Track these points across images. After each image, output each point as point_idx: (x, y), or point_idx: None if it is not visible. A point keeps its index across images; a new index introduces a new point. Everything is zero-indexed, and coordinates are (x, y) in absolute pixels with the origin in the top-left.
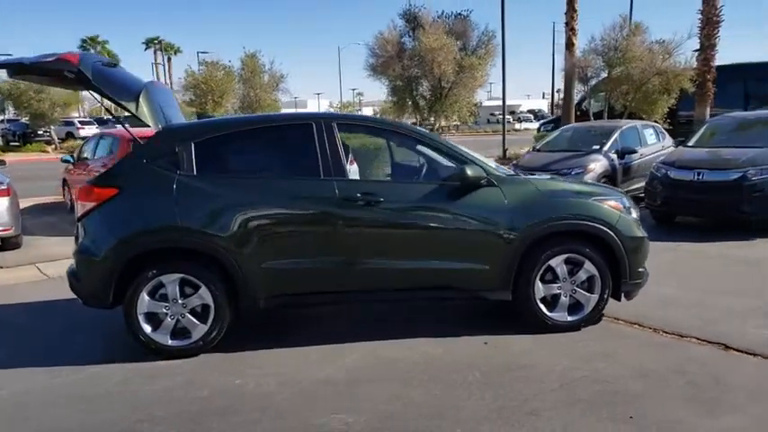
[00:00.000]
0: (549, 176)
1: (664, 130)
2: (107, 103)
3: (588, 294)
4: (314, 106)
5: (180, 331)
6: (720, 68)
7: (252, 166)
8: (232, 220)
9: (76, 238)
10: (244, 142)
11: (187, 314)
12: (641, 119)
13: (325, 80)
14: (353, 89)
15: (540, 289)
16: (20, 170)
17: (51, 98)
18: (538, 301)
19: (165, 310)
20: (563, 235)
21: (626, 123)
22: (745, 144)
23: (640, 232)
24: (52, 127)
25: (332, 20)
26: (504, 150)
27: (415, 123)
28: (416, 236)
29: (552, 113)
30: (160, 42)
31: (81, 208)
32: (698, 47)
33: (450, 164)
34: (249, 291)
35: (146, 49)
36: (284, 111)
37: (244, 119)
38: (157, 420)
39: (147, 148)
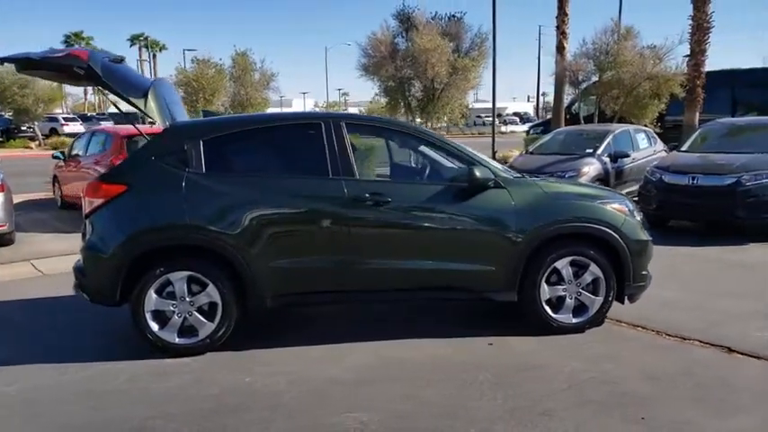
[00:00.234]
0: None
1: (655, 135)
2: (112, 98)
3: (593, 297)
4: (299, 105)
5: (187, 329)
6: (708, 74)
7: (260, 165)
8: (241, 218)
9: (84, 235)
10: (252, 141)
11: (194, 312)
12: (630, 123)
13: (311, 80)
14: (339, 89)
15: (545, 291)
16: (4, 166)
17: (35, 94)
18: (543, 303)
19: (172, 308)
20: (569, 237)
21: (619, 127)
22: (738, 149)
23: (645, 235)
24: (36, 123)
25: (318, 20)
26: (494, 153)
27: None
28: (424, 236)
29: (538, 116)
30: (146, 39)
31: (89, 204)
32: (688, 52)
33: (458, 165)
34: (257, 289)
35: (131, 46)
36: (271, 110)
37: (253, 117)
38: (170, 417)
39: (155, 146)
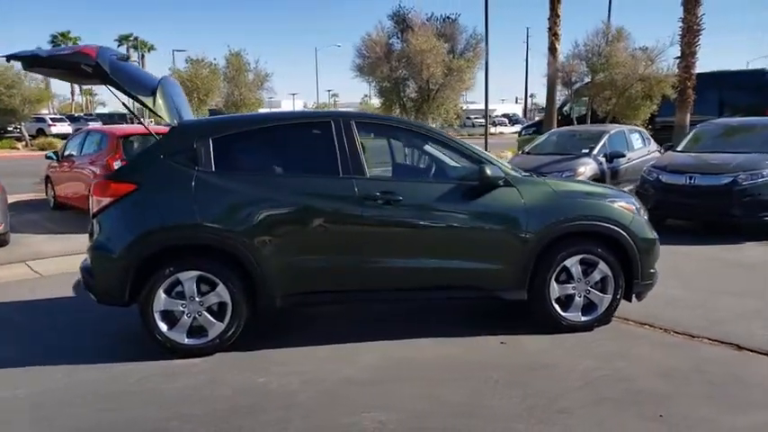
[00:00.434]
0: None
1: (649, 136)
2: (122, 97)
3: (601, 295)
4: (288, 106)
5: (196, 329)
6: (697, 76)
7: (270, 164)
8: (251, 217)
9: (91, 234)
10: (262, 139)
11: (204, 312)
12: (619, 124)
13: (300, 81)
14: (329, 90)
15: (555, 289)
16: None
17: (22, 94)
18: (553, 302)
19: (181, 308)
20: (578, 235)
21: (614, 128)
22: (733, 149)
23: (652, 234)
24: (23, 123)
25: (308, 21)
26: None
27: None
28: (435, 235)
29: (526, 118)
30: (136, 39)
31: (96, 204)
32: (679, 54)
33: (468, 163)
34: (267, 289)
35: (119, 46)
36: (262, 111)
37: (262, 116)
38: (186, 419)
39: (164, 144)
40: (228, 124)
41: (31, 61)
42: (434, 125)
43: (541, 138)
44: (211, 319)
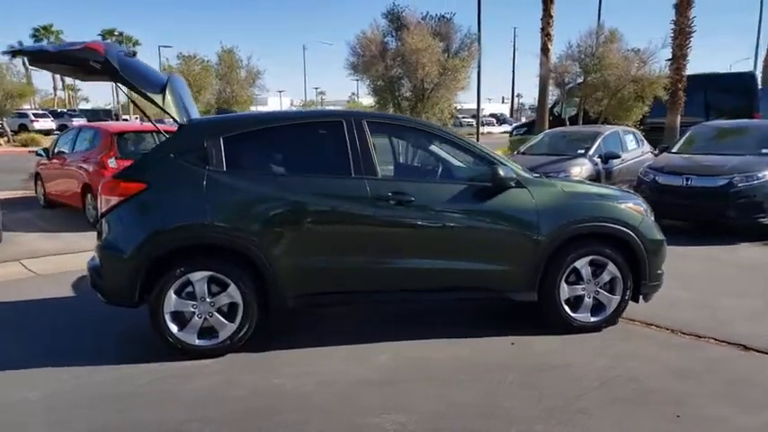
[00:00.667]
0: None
1: (642, 137)
2: (126, 93)
3: (610, 296)
4: (275, 104)
5: (207, 330)
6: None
7: (281, 164)
8: (263, 217)
9: (99, 234)
10: (273, 139)
11: (215, 313)
12: (611, 125)
13: (287, 78)
14: (316, 88)
15: (565, 290)
16: None
17: (4, 88)
18: (563, 303)
19: (192, 309)
20: (588, 237)
21: (608, 129)
22: (727, 152)
23: (660, 235)
24: (5, 119)
25: (296, 20)
26: None
27: None
28: (447, 236)
29: (513, 117)
30: (121, 34)
31: (105, 203)
32: (670, 56)
33: (479, 164)
34: (279, 289)
35: (103, 41)
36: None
37: (273, 115)
38: (205, 421)
39: (173, 143)
40: (239, 123)
41: (38, 56)
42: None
43: (536, 138)
44: (222, 319)
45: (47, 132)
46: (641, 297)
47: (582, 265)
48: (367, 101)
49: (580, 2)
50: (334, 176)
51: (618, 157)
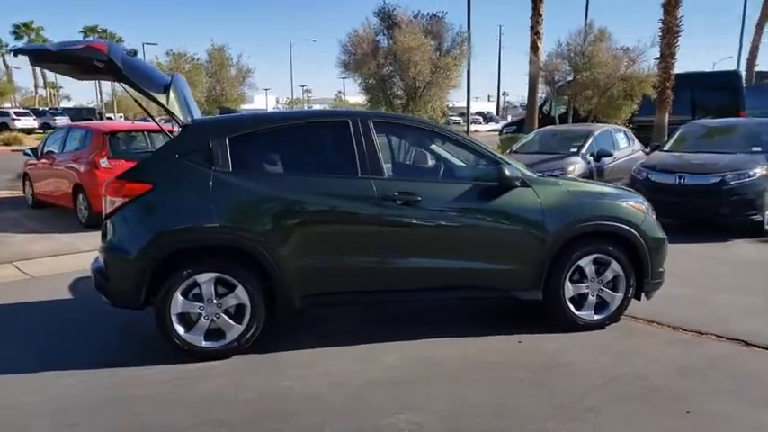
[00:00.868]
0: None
1: (633, 135)
2: (130, 93)
3: (613, 293)
4: (261, 102)
5: (214, 332)
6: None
7: (287, 164)
8: (270, 217)
9: (104, 235)
10: (279, 139)
11: (222, 314)
12: (601, 123)
13: (273, 76)
14: (302, 86)
15: (569, 288)
16: None
17: None
18: (567, 301)
19: (198, 311)
20: (591, 235)
21: (600, 127)
22: (718, 150)
23: (661, 233)
24: None
25: (281, 19)
26: None
27: None
28: (453, 235)
29: (499, 115)
30: (104, 31)
31: (110, 204)
32: (659, 55)
33: (485, 164)
34: (286, 290)
35: (84, 38)
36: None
37: (279, 115)
38: (219, 424)
39: (178, 143)
40: (244, 123)
41: (40, 56)
42: None
43: (528, 137)
44: (229, 321)
45: (29, 131)
46: (643, 294)
47: (586, 263)
48: (354, 99)
49: (570, 1)
50: (340, 176)
51: (610, 155)
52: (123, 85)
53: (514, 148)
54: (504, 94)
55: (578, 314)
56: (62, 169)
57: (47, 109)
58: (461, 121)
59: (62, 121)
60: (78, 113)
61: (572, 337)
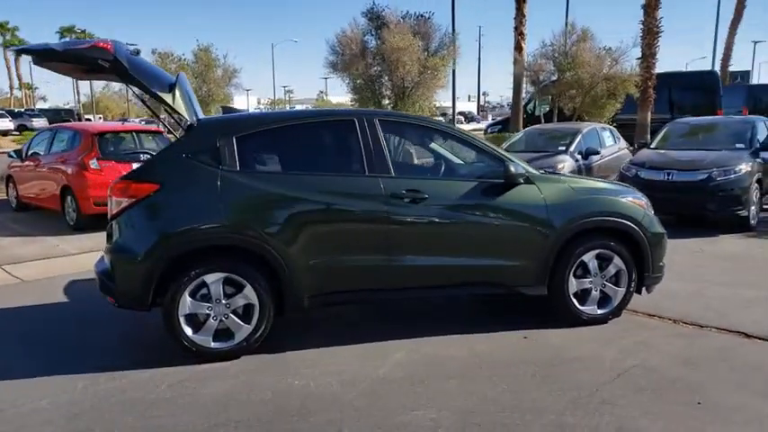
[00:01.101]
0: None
1: (618, 133)
2: (136, 93)
3: (616, 288)
4: (242, 103)
5: (222, 332)
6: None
7: (294, 162)
8: (277, 216)
9: (109, 236)
10: (286, 138)
11: (230, 314)
12: (586, 122)
13: (254, 77)
14: (284, 86)
15: (573, 284)
16: None
17: None
18: (571, 296)
19: (207, 311)
20: (594, 231)
21: (587, 126)
22: (703, 147)
23: (660, 228)
24: None
25: (261, 20)
26: None
27: None
28: (461, 233)
29: (480, 115)
30: (84, 32)
31: (116, 205)
32: (640, 55)
33: (489, 161)
34: (294, 289)
35: (60, 38)
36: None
37: (285, 114)
38: (235, 424)
39: (185, 143)
40: (251, 122)
41: (45, 56)
42: None
43: (516, 135)
44: (238, 321)
45: (5, 133)
46: (644, 289)
47: (589, 258)
48: (336, 99)
49: (554, 1)
50: (347, 175)
51: (597, 153)
52: (130, 85)
53: (503, 146)
54: (484, 94)
55: (582, 309)
56: (49, 171)
57: (23, 110)
58: (442, 120)
59: (39, 122)
60: (56, 114)
61: (575, 331)
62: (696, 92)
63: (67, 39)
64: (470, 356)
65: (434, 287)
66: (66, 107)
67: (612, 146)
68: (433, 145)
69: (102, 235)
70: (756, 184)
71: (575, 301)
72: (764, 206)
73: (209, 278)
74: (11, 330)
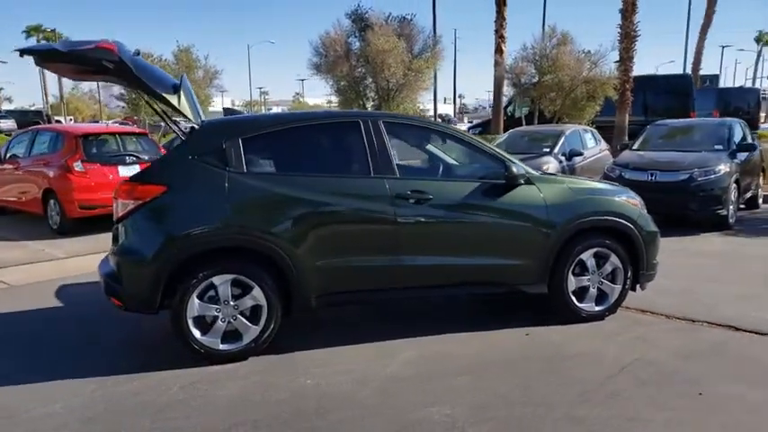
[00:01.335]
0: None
1: (599, 135)
2: (141, 95)
3: (613, 285)
4: (217, 104)
5: (230, 334)
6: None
7: (300, 164)
8: (285, 217)
9: (115, 239)
10: (291, 139)
11: (239, 316)
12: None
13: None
14: (260, 87)
15: (572, 282)
16: None
17: None
18: (570, 294)
19: (215, 313)
20: (591, 230)
21: (570, 128)
22: (684, 148)
23: (654, 227)
24: None
25: (235, 22)
26: None
27: None
28: (465, 233)
29: (456, 117)
30: (53, 31)
31: (122, 207)
32: (618, 58)
33: (490, 162)
34: (302, 290)
35: (27, 38)
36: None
37: (291, 115)
38: (253, 424)
39: (191, 144)
40: (256, 124)
41: (48, 56)
42: None
43: (501, 137)
44: (246, 322)
45: None
46: (638, 286)
47: (587, 257)
48: (313, 101)
49: (534, 5)
50: (353, 176)
51: (581, 154)
52: (133, 88)
53: None
54: (460, 96)
55: (581, 306)
56: (30, 174)
57: None
58: None
59: (7, 124)
60: (23, 116)
61: (574, 328)
62: (670, 95)
63: (67, 39)
64: (477, 354)
65: (439, 287)
66: (33, 108)
67: (594, 147)
68: (435, 146)
69: (85, 239)
70: (735, 184)
71: (573, 298)
72: (741, 205)
73: (218, 280)
74: (9, 335)
